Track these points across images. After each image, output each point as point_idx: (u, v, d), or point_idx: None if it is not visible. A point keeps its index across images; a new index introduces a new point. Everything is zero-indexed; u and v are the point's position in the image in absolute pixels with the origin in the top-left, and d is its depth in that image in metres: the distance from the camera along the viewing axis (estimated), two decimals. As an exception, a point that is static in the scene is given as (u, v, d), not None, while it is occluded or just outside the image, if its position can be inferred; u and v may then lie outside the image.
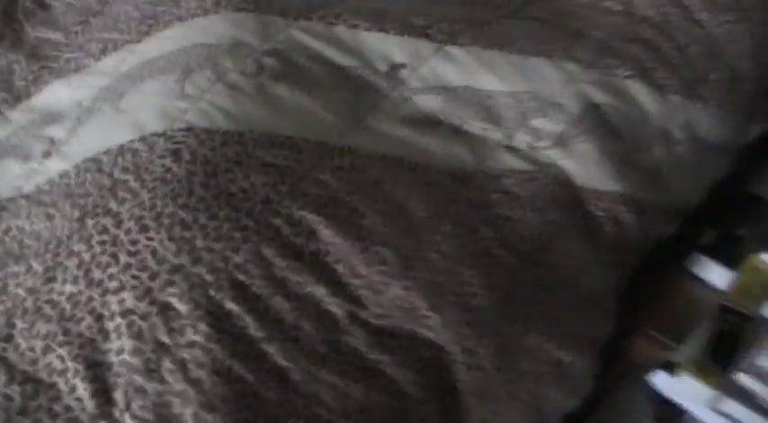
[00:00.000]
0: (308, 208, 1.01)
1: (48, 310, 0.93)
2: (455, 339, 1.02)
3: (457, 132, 1.20)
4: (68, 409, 0.89)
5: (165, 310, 0.92)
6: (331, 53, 1.19)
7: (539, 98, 1.23)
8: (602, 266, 1.17)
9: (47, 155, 1.15)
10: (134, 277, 0.93)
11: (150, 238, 0.95)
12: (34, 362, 0.91)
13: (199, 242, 0.95)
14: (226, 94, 1.08)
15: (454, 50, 1.24)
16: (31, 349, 0.91)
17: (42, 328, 0.92)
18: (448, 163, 1.16)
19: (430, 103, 1.21)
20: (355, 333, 0.99)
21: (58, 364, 0.90)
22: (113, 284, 0.93)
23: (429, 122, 1.20)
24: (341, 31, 1.21)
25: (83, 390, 0.89)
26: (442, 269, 1.05)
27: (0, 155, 1.20)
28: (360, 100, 1.17)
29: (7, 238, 1.05)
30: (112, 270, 0.93)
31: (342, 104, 1.15)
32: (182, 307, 0.92)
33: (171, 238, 0.95)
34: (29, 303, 0.94)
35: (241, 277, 0.95)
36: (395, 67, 1.22)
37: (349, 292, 0.99)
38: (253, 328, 0.94)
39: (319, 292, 0.98)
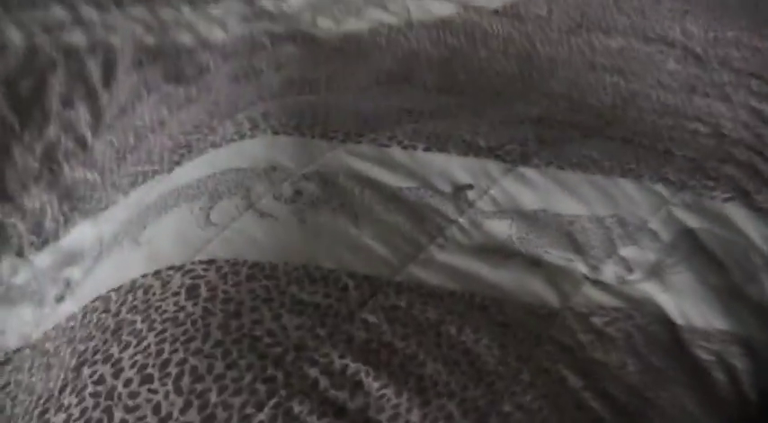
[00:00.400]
0: (352, 355, 0.82)
1: None
2: None
3: (536, 264, 1.02)
4: None
5: None
6: (383, 175, 1.04)
7: (627, 223, 1.06)
8: None
9: (60, 298, 1.00)
10: None
11: (153, 391, 0.77)
12: None
13: (213, 396, 0.76)
14: (256, 222, 0.93)
15: (528, 172, 1.08)
16: None
17: None
18: (526, 300, 0.97)
19: (503, 228, 1.04)
20: None
21: None
22: None
23: (502, 252, 1.02)
24: (395, 152, 1.06)
25: None
26: None
27: (15, 301, 1.07)
28: (419, 226, 1.00)
29: (2, 396, 0.89)
30: None
31: (396, 234, 0.98)
32: None
33: (178, 391, 0.76)
34: None
35: None
36: (460, 188, 1.06)
37: None
38: None
39: None
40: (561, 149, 1.11)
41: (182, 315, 0.82)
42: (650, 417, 0.91)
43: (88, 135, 1.36)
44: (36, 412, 0.80)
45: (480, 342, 0.89)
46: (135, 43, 1.66)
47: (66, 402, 0.78)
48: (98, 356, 0.81)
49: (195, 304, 0.83)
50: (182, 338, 0.80)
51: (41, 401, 0.82)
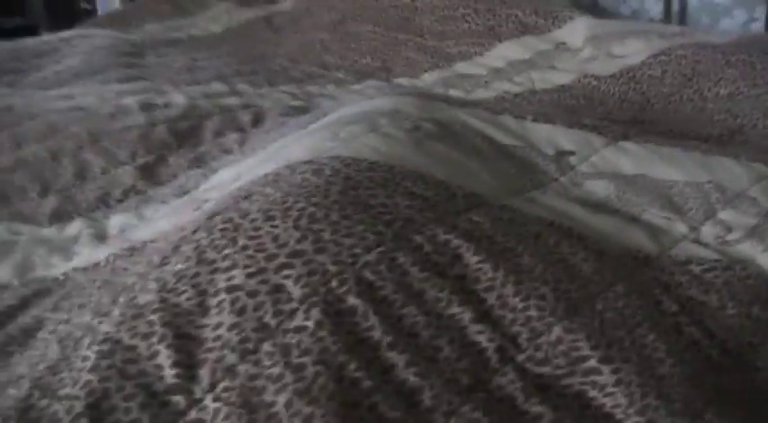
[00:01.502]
0: (455, 234, 0.89)
1: (152, 285, 0.84)
2: (639, 410, 0.81)
3: (634, 220, 1.07)
4: (143, 373, 0.75)
5: (276, 291, 0.80)
6: (494, 132, 1.14)
7: (725, 189, 1.10)
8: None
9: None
10: (249, 257, 0.83)
11: (274, 226, 0.86)
12: (119, 324, 0.80)
13: (326, 235, 0.85)
14: (378, 138, 1.04)
15: (627, 145, 1.16)
16: (122, 315, 0.81)
17: (141, 298, 0.82)
18: (624, 244, 1.02)
19: (602, 188, 1.10)
20: (509, 375, 0.81)
21: (143, 328, 0.79)
22: (225, 264, 0.83)
23: (603, 208, 1.08)
24: (506, 119, 1.17)
25: (165, 357, 0.76)
26: (616, 322, 0.87)
27: None
28: (524, 174, 1.09)
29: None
30: (228, 251, 0.84)
31: (502, 174, 1.07)
32: (295, 290, 0.80)
33: (296, 227, 0.86)
34: (137, 284, 0.86)
35: (370, 276, 0.82)
36: (563, 154, 1.14)
37: (501, 325, 0.84)
38: (379, 331, 0.79)
39: (465, 317, 0.83)
40: (658, 132, 1.19)
41: (306, 184, 0.93)
42: (755, 362, 0.91)
43: (235, 147, 1.54)
44: (169, 248, 0.90)
45: (576, 255, 0.95)
46: (282, 106, 1.88)
47: (196, 237, 0.88)
48: (230, 209, 0.92)
49: (319, 178, 0.94)
50: (304, 194, 0.90)
51: (175, 240, 0.92)
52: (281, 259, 0.82)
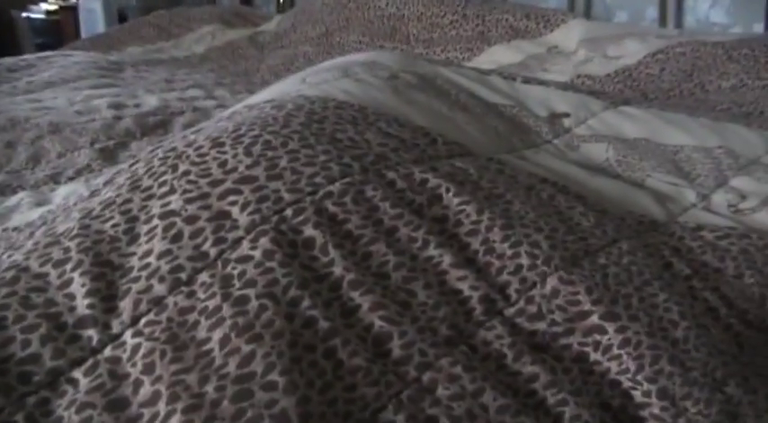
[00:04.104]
0: (433, 174, 0.77)
1: (75, 214, 0.71)
2: (650, 377, 0.68)
3: (638, 186, 0.96)
4: (50, 303, 0.62)
5: (220, 217, 0.68)
6: (480, 90, 1.03)
7: (737, 155, 0.99)
8: None
9: None
10: (190, 182, 0.71)
11: (222, 152, 0.74)
12: (30, 252, 0.67)
13: (282, 162, 0.73)
14: (350, 83, 0.93)
15: (629, 109, 1.05)
16: (35, 244, 0.68)
17: (60, 227, 0.70)
18: (628, 208, 0.90)
19: (601, 152, 0.99)
20: (496, 329, 0.68)
21: (57, 255, 0.66)
22: (162, 190, 0.71)
23: (602, 172, 0.96)
24: (494, 79, 1.06)
25: (79, 285, 0.63)
26: (621, 278, 0.75)
27: None
28: (514, 134, 0.97)
29: None
30: (166, 177, 0.72)
31: (490, 130, 0.96)
32: (242, 218, 0.68)
33: (248, 154, 0.74)
34: (60, 216, 0.73)
35: (333, 208, 0.70)
36: (557, 116, 1.03)
37: (487, 273, 0.71)
38: (340, 267, 0.66)
39: (444, 260, 0.70)
40: (663, 102, 1.08)
41: (263, 115, 0.81)
42: None
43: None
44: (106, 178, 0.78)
45: (574, 209, 0.83)
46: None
47: (134, 167, 0.76)
48: (174, 141, 0.80)
49: (279, 111, 0.82)
50: (260, 124, 0.78)
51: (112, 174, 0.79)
52: (228, 185, 0.70)
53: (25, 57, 2.69)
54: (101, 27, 3.35)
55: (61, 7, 3.80)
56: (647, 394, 0.68)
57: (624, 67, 1.62)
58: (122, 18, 3.48)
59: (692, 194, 0.95)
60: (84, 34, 3.44)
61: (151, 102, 1.77)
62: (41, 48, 3.91)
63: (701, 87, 1.46)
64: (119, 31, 2.97)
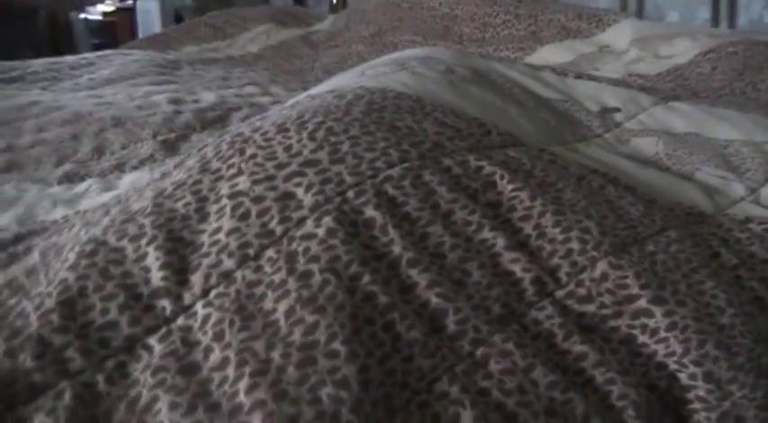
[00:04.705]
0: (488, 161, 0.80)
1: (148, 193, 0.76)
2: (696, 360, 0.70)
3: (687, 179, 0.97)
4: (127, 275, 0.66)
5: (285, 198, 0.72)
6: (533, 85, 1.06)
7: (789, 151, 0.99)
8: None
9: None
10: (257, 164, 0.75)
11: (287, 137, 0.78)
12: (107, 228, 0.71)
13: (344, 147, 0.77)
14: (408, 75, 0.96)
15: (678, 105, 1.06)
16: (112, 220, 0.73)
17: (135, 206, 0.74)
18: (677, 199, 0.92)
19: (650, 146, 1.01)
20: (547, 310, 0.71)
21: (133, 231, 0.70)
22: (230, 172, 0.75)
23: (652, 164, 0.98)
24: (547, 74, 1.09)
25: (154, 259, 0.67)
26: (669, 265, 0.77)
27: None
28: (565, 127, 1.00)
29: None
30: (234, 160, 0.76)
31: (542, 123, 0.98)
32: (306, 198, 0.71)
33: (312, 138, 0.77)
34: (134, 196, 0.78)
35: (392, 191, 0.74)
36: (608, 110, 1.05)
37: (539, 257, 0.74)
38: (399, 247, 0.69)
39: (498, 243, 0.73)
40: (710, 100, 1.10)
41: (326, 103, 0.85)
42: None
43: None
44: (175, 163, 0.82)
45: (624, 199, 0.85)
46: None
47: (204, 151, 0.80)
48: (241, 127, 0.84)
49: (340, 100, 0.86)
50: (322, 111, 0.82)
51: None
52: (293, 168, 0.74)
53: (85, 55, 2.77)
54: (157, 27, 3.43)
55: (118, 8, 3.90)
56: (693, 377, 0.70)
57: (675, 67, 1.63)
58: (178, 18, 3.56)
59: (740, 188, 0.96)
60: (140, 35, 3.53)
61: (209, 98, 1.82)
62: (98, 48, 4.02)
63: (753, 86, 1.47)
64: (175, 31, 3.05)
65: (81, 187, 1.15)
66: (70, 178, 1.23)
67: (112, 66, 2.45)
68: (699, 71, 1.58)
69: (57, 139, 1.48)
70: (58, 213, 1.00)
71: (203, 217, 0.71)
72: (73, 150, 1.40)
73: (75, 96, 1.94)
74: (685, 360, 0.70)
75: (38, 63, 2.48)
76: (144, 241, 0.69)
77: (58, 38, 4.20)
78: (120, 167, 1.27)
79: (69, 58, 2.71)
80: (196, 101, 1.77)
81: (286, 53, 2.51)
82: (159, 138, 1.44)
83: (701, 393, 0.69)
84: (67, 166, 1.31)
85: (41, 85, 2.25)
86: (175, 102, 1.73)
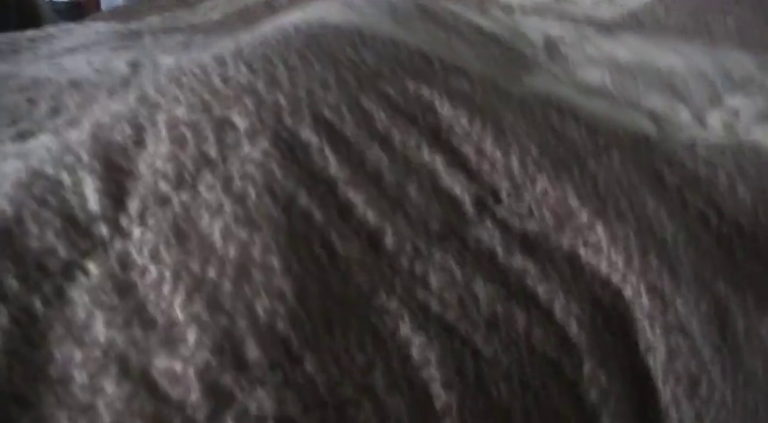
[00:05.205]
0: (428, 86, 0.81)
1: (86, 125, 0.76)
2: (638, 271, 0.71)
3: (634, 106, 0.98)
4: (64, 202, 0.67)
5: (222, 123, 0.72)
6: (480, 21, 1.06)
7: (732, 76, 1.01)
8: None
9: None
10: (194, 94, 0.75)
11: (225, 68, 0.78)
12: (44, 160, 0.71)
13: (281, 75, 0.77)
14: (347, 10, 0.96)
15: (624, 35, 1.07)
16: (48, 151, 0.73)
17: (73, 137, 0.74)
18: (623, 125, 0.93)
19: (597, 76, 1.02)
20: (488, 228, 0.72)
21: (69, 160, 0.70)
22: (168, 102, 0.75)
23: (598, 93, 0.99)
24: (494, 10, 1.09)
25: (91, 186, 0.67)
26: (609, 182, 0.78)
27: None
28: (511, 59, 1.00)
29: None
30: (171, 91, 0.76)
31: (489, 57, 0.99)
32: (242, 122, 0.72)
33: (249, 67, 0.77)
34: (70, 131, 0.78)
35: (329, 115, 0.74)
36: (552, 41, 1.05)
37: (479, 177, 0.75)
38: (335, 168, 0.70)
39: (436, 163, 0.74)
40: (662, 30, 1.10)
41: (265, 36, 0.85)
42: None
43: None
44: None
45: (567, 122, 0.86)
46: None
47: (138, 84, 0.81)
48: (178, 61, 0.84)
49: (279, 33, 0.85)
50: (259, 43, 0.82)
51: None
52: (230, 94, 0.74)
53: (46, 28, 2.75)
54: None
55: (84, -11, 3.86)
56: (636, 289, 0.71)
57: (630, 11, 1.63)
58: (143, -4, 3.52)
59: (687, 114, 0.97)
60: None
61: (168, 61, 1.80)
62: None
63: (707, 28, 1.47)
64: (138, 3, 3.02)
65: (32, 144, 1.15)
66: (23, 135, 1.22)
67: (73, 37, 2.43)
68: (653, 14, 1.59)
69: (12, 103, 1.47)
70: (9, 167, 1.00)
71: (140, 145, 0.71)
72: (28, 112, 1.39)
73: (33, 66, 1.92)
74: (628, 272, 0.71)
75: (-6, 37, 2.45)
76: (80, 170, 0.69)
77: (25, 21, 4.15)
78: (73, 124, 1.26)
79: (29, 32, 2.68)
80: (155, 64, 1.76)
81: (248, 18, 2.49)
82: (115, 97, 1.43)
83: (645, 306, 0.70)
84: (21, 126, 1.30)
85: (-1, 57, 2.22)
86: (134, 65, 1.72)
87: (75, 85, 1.54)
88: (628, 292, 0.71)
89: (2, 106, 1.44)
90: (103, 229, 0.65)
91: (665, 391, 0.69)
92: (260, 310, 0.58)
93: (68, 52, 2.22)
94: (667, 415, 0.69)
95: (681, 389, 0.69)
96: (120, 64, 1.73)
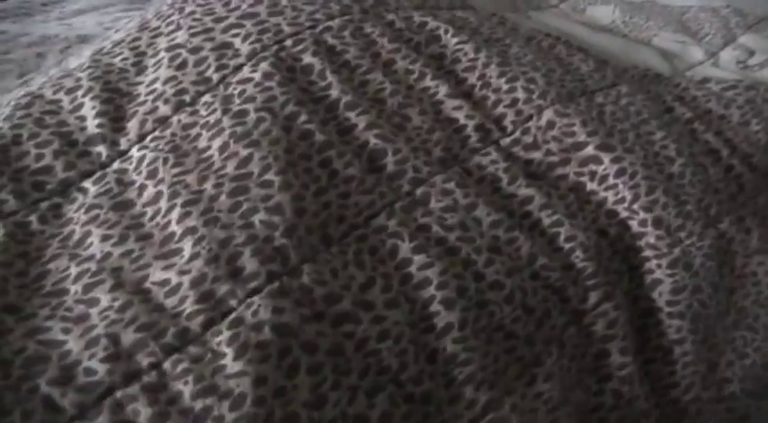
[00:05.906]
0: (433, 18, 0.79)
1: (86, 52, 0.76)
2: (645, 206, 0.69)
3: (645, 44, 0.96)
4: (62, 124, 0.66)
5: (222, 47, 0.71)
6: (487, -41, 1.03)
7: (745, 14, 0.99)
8: None
9: None
10: (195, 20, 0.74)
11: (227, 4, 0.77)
12: (44, 84, 0.71)
13: (284, 1, 0.76)
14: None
15: (637, -25, 1.04)
16: (49, 77, 0.72)
17: (72, 64, 0.73)
18: (632, 63, 0.91)
19: (607, 14, 1.00)
20: (491, 156, 0.70)
21: (69, 84, 0.70)
22: (169, 28, 0.75)
23: (608, 31, 0.97)
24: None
25: (90, 108, 0.67)
26: (617, 115, 0.76)
27: None
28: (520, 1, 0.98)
29: None
30: (173, 18, 0.76)
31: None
32: (244, 47, 0.71)
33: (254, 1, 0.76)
34: (71, 59, 0.77)
35: (331, 40, 0.73)
36: (563, -20, 1.03)
37: (483, 105, 0.74)
38: (337, 90, 0.69)
39: (440, 91, 0.73)
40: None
41: None
42: None
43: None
44: None
45: (575, 57, 0.84)
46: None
47: (143, 15, 0.80)
48: None
49: None
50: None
51: None
52: (231, 20, 0.73)
53: (58, -7, 2.75)
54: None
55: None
56: (643, 223, 0.69)
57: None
58: (153, -41, 3.51)
59: (699, 52, 0.96)
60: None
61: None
62: None
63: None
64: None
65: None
66: (29, 83, 1.22)
67: (84, 0, 2.43)
68: None
69: (21, 57, 1.47)
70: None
71: (141, 70, 0.71)
72: (36, 65, 1.39)
73: (44, 25, 1.92)
74: (635, 206, 0.70)
75: (9, 2, 2.46)
76: (80, 93, 0.69)
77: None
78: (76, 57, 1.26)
79: (42, -3, 2.68)
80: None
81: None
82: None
83: (651, 240, 0.69)
84: (30, 76, 1.30)
85: (12, 20, 2.22)
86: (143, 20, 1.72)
87: (83, 40, 1.53)
88: (635, 225, 0.70)
89: (12, 60, 1.45)
90: (102, 151, 0.64)
91: (670, 327, 0.68)
92: (257, 223, 0.57)
93: (79, 14, 2.22)
94: (671, 351, 0.68)
95: (686, 324, 0.68)
96: (129, 23, 1.73)
